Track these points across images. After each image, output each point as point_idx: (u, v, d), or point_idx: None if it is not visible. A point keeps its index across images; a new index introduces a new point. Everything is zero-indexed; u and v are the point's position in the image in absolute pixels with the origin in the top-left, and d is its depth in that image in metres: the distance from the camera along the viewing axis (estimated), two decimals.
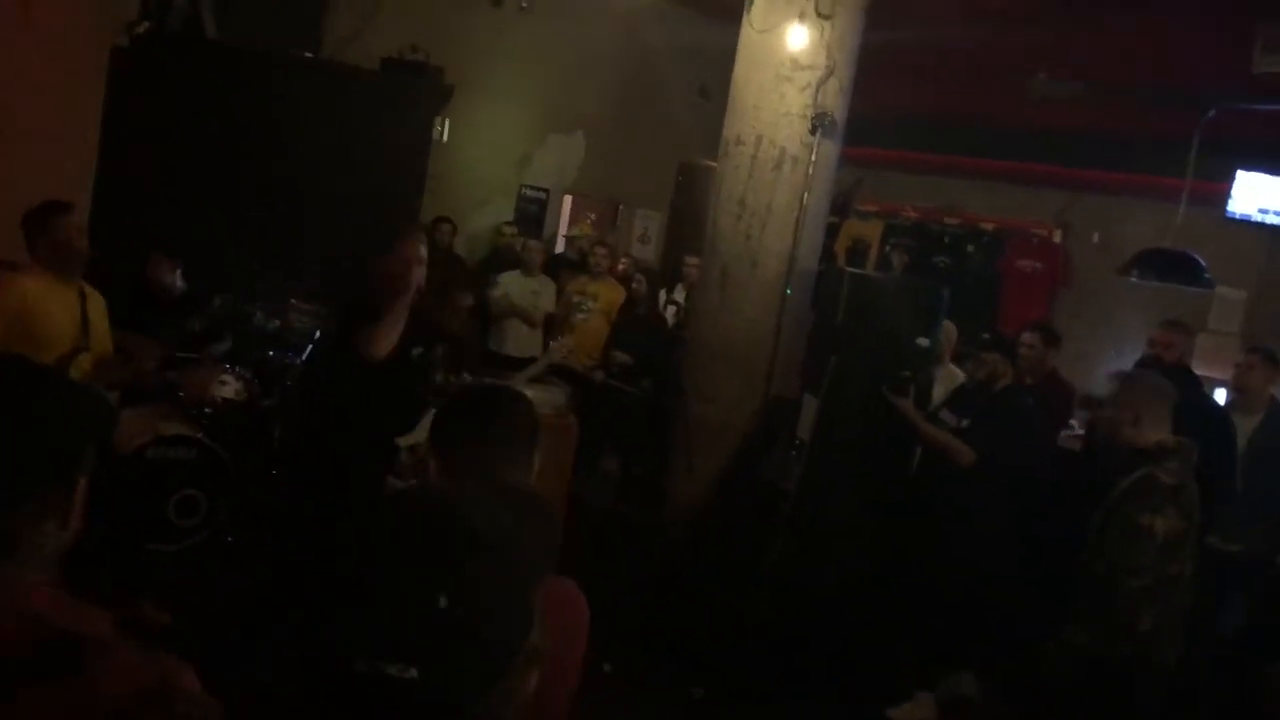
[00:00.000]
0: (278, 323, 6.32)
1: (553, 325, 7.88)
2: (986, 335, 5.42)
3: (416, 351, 4.24)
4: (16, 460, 1.38)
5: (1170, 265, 6.61)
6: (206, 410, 5.53)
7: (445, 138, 8.50)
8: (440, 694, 0.97)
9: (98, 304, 4.55)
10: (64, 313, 4.29)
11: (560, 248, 9.90)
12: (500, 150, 9.73)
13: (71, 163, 6.36)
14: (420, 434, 5.10)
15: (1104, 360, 8.02)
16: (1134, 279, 6.73)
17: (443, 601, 0.97)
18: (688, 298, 7.69)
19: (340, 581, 1.03)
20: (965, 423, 4.95)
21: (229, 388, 5.71)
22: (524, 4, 9.33)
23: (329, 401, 4.11)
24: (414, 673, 0.95)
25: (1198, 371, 5.59)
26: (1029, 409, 5.03)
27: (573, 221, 10.78)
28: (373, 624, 0.97)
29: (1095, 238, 9.18)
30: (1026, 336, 5.64)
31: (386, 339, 3.85)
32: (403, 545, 1.03)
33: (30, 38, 5.99)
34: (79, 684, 1.28)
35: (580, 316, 7.78)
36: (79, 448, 1.47)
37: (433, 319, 4.76)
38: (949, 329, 5.75)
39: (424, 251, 4.13)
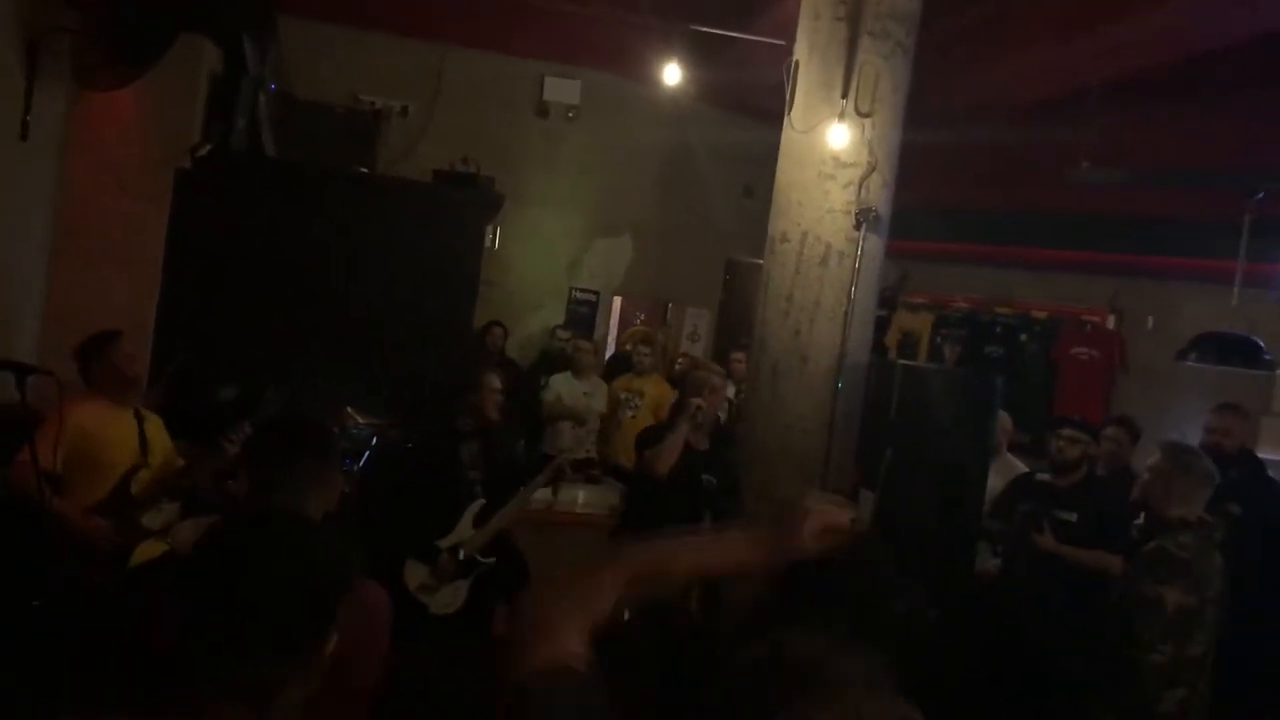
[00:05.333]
0: (335, 430, 6.38)
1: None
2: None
3: None
4: (280, 620, 1.46)
5: (1229, 348, 6.50)
6: None
7: (496, 245, 8.68)
8: None
9: (155, 422, 4.67)
10: (122, 436, 4.41)
11: (611, 350, 10.00)
12: (550, 255, 9.92)
13: (137, 280, 6.59)
14: (463, 533, 5.11)
15: None
16: (1192, 363, 6.63)
17: None
18: (738, 393, 7.68)
19: None
20: (1072, 516, 4.97)
21: None
22: (569, 114, 9.61)
23: None
24: None
25: (1262, 455, 5.47)
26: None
27: (622, 322, 10.89)
28: None
29: (1150, 323, 9.07)
30: (1111, 430, 5.61)
31: None
32: None
33: (99, 163, 6.27)
34: None
35: (628, 414, 7.80)
36: (334, 607, 1.54)
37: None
38: (1003, 420, 5.69)
39: None
